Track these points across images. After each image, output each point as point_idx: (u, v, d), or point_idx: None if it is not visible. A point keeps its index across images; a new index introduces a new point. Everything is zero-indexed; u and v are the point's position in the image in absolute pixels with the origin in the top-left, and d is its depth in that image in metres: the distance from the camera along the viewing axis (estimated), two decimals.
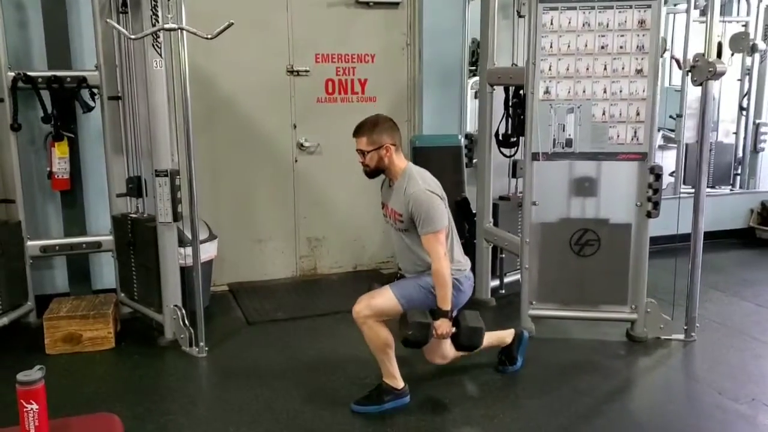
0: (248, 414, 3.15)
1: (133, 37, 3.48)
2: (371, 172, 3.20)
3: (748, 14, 6.60)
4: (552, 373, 3.58)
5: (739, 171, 6.83)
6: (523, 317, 4.02)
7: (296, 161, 5.08)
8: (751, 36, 6.17)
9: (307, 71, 4.97)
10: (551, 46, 3.76)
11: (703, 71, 3.73)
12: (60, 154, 4.14)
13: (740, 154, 6.76)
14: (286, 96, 4.98)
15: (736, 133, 6.82)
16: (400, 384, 3.21)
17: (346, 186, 5.20)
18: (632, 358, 3.78)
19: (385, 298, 3.10)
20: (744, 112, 6.78)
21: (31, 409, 2.00)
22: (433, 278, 3.04)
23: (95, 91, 4.06)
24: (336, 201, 5.22)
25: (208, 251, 4.38)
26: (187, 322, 3.84)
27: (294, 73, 4.95)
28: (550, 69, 3.78)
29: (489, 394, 3.38)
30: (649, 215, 3.85)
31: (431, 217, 3.01)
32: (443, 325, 3.02)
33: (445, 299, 3.02)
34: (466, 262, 3.26)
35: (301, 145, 5.05)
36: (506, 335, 3.58)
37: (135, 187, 4.01)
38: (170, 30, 3.43)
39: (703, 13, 6.08)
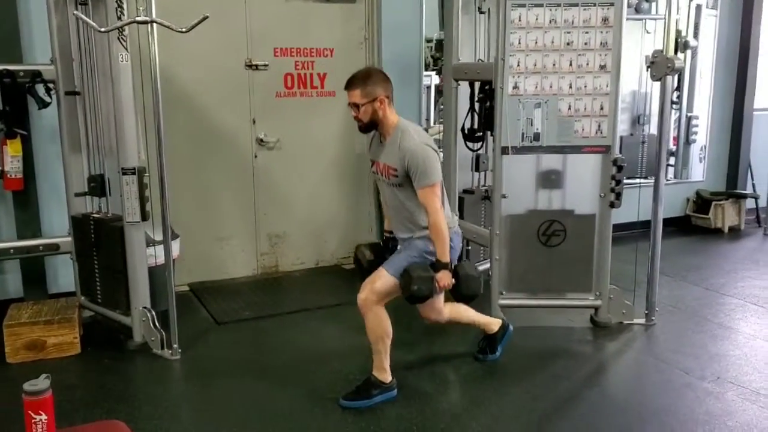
0: (237, 415, 3.10)
1: (103, 30, 3.35)
2: (365, 127, 3.14)
3: (678, 12, 6.90)
4: (528, 360, 3.68)
5: (673, 162, 7.15)
6: (494, 307, 4.10)
7: (256, 157, 5.01)
8: (683, 33, 6.48)
9: (265, 65, 4.91)
10: (519, 42, 3.85)
11: (661, 67, 3.90)
12: (12, 152, 3.94)
13: (672, 146, 7.05)
14: (245, 91, 4.90)
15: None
16: (388, 378, 3.24)
17: (307, 181, 5.18)
18: (600, 342, 3.93)
19: (383, 279, 3.10)
20: (675, 106, 7.09)
21: (40, 420, 1.94)
22: (430, 231, 3.05)
23: (51, 86, 3.88)
24: (296, 196, 5.18)
25: (171, 251, 4.27)
26: (157, 324, 3.74)
27: (253, 67, 4.88)
28: (518, 65, 3.87)
29: (472, 383, 3.44)
30: (612, 205, 4.00)
31: (427, 170, 3.00)
32: (445, 277, 3.05)
33: (444, 252, 3.04)
34: (454, 219, 3.28)
35: (261, 140, 4.99)
36: (493, 323, 3.64)
37: (98, 186, 3.86)
38: (142, 23, 3.32)
39: (637, 10, 6.39)
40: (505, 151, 3.93)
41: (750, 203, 6.64)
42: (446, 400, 3.25)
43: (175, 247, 4.38)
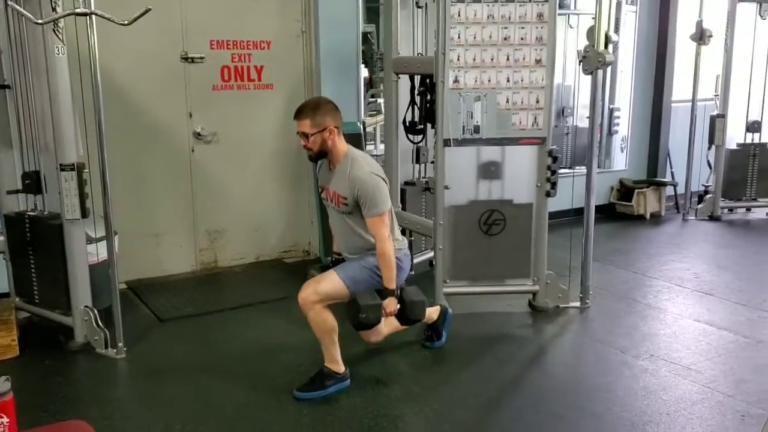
0: (190, 411, 3.08)
1: (40, 21, 3.24)
2: (315, 156, 3.20)
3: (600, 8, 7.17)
4: (473, 345, 3.79)
5: (596, 152, 7.43)
6: (438, 295, 4.19)
7: (193, 151, 4.94)
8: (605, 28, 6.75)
9: (201, 58, 4.84)
10: (459, 37, 3.94)
11: (593, 61, 4.08)
12: None
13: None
14: (181, 84, 4.82)
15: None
16: (341, 368, 3.28)
17: (245, 175, 5.15)
18: (539, 326, 4.09)
19: (331, 282, 3.14)
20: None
21: (1, 423, 1.90)
22: (378, 260, 3.13)
23: None
24: (235, 191, 5.13)
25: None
26: (100, 322, 3.66)
27: (188, 59, 4.80)
28: (458, 59, 3.96)
29: (423, 370, 3.53)
30: (548, 194, 4.16)
31: (376, 200, 3.08)
32: (391, 304, 3.14)
33: (391, 279, 3.13)
34: (403, 241, 3.38)
35: (198, 134, 4.92)
36: (433, 311, 3.74)
37: (33, 183, 3.73)
38: (81, 14, 3.23)
39: (560, 5, 6.61)
40: (447, 143, 4.02)
41: (669, 190, 6.98)
42: (398, 388, 3.31)
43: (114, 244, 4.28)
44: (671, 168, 7.10)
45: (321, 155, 3.21)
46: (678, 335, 3.91)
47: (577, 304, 4.36)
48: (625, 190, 6.93)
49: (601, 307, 4.36)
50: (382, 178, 3.18)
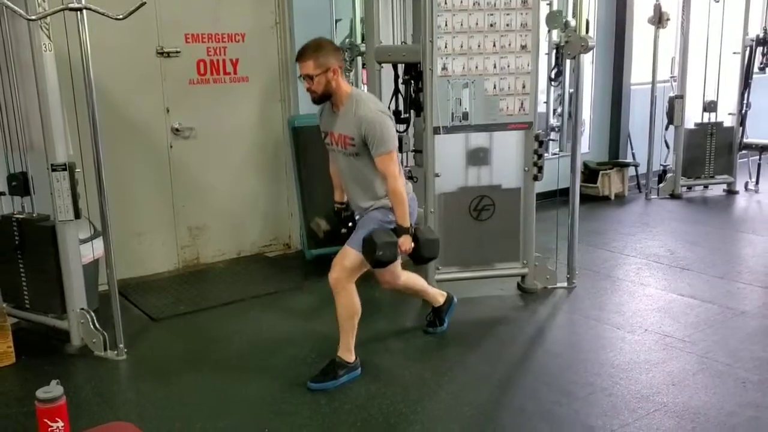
0: (207, 407, 3.06)
1: (33, 17, 3.13)
2: (319, 98, 3.13)
3: None
4: (473, 329, 3.86)
5: (556, 137, 7.60)
6: (431, 282, 4.22)
7: (171, 147, 4.86)
8: (564, 14, 6.90)
9: (177, 52, 4.75)
10: (446, 25, 3.98)
11: (575, 45, 4.18)
12: None
13: (552, 121, 7.47)
14: (157, 79, 4.72)
15: (547, 102, 7.53)
16: (352, 357, 3.30)
17: (225, 170, 5.09)
18: (533, 307, 4.18)
19: (351, 256, 3.14)
20: (553, 83, 7.49)
21: (57, 427, 1.87)
22: (390, 197, 3.12)
23: None
24: (215, 186, 5.07)
25: (96, 249, 4.08)
26: (98, 324, 3.59)
27: (164, 54, 4.71)
28: (446, 46, 4.00)
29: (430, 355, 3.58)
30: (535, 178, 4.25)
31: (385, 138, 3.05)
32: (406, 241, 3.13)
33: (405, 216, 3.12)
34: (409, 185, 3.35)
35: (176, 129, 4.83)
36: (439, 296, 3.78)
37: (20, 185, 3.62)
38: (74, 10, 3.14)
39: None
40: (436, 131, 4.06)
41: (631, 171, 7.21)
42: (409, 374, 3.35)
43: (99, 245, 4.18)
44: (632, 149, 7.32)
45: (325, 97, 3.13)
46: (666, 310, 4.06)
47: (564, 284, 4.47)
48: (589, 173, 7.11)
49: (587, 286, 4.49)
50: (389, 116, 3.15)
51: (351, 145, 3.13)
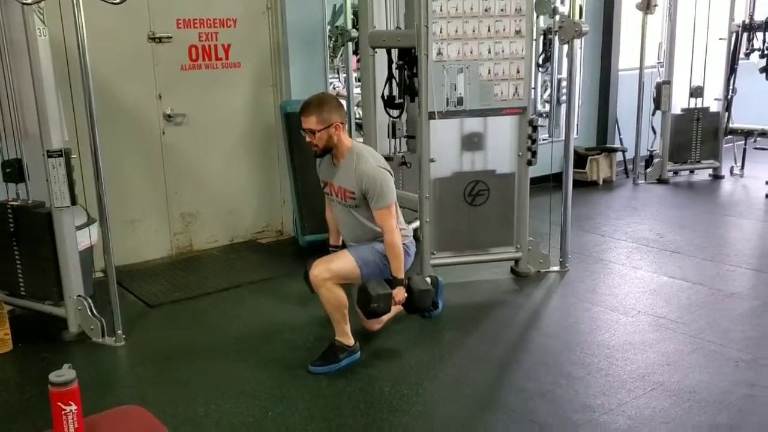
0: (209, 392, 3.07)
1: (29, 1, 3.09)
2: (321, 152, 3.24)
3: None
4: (469, 312, 3.90)
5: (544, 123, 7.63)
6: (426, 267, 4.27)
7: (164, 133, 4.83)
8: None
9: (169, 38, 4.72)
10: (441, 10, 3.99)
11: (569, 31, 4.20)
12: None
13: (539, 107, 7.50)
14: (149, 64, 4.69)
15: (535, 88, 7.56)
16: (351, 341, 3.33)
17: (217, 156, 5.07)
18: (527, 291, 4.23)
19: (344, 261, 3.18)
20: (540, 69, 7.53)
21: (70, 410, 1.87)
22: (387, 250, 3.21)
23: None
24: (207, 173, 5.06)
25: (89, 236, 4.06)
26: (95, 311, 3.58)
27: (156, 40, 4.67)
28: (441, 31, 4.01)
29: (428, 338, 3.61)
30: (529, 163, 4.29)
31: (384, 193, 3.16)
32: (400, 293, 3.23)
33: (400, 269, 3.22)
34: (409, 229, 3.46)
35: (168, 116, 4.81)
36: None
37: (14, 172, 3.59)
38: None
39: None
40: (432, 116, 4.08)
41: (619, 156, 7.27)
42: (409, 357, 3.39)
43: (93, 231, 4.17)
44: (619, 134, 7.38)
45: (326, 151, 3.25)
46: (658, 292, 4.13)
47: (557, 268, 4.52)
48: (577, 158, 7.13)
49: (580, 270, 4.54)
50: (388, 171, 3.26)
51: (351, 198, 3.23)
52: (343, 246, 3.52)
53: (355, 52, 5.46)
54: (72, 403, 1.86)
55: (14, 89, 3.51)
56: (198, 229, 5.11)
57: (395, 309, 3.42)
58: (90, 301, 3.59)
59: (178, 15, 4.74)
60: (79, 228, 3.86)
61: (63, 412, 1.85)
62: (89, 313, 3.57)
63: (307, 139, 3.17)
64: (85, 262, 3.99)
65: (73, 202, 3.49)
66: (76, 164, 3.54)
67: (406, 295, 3.26)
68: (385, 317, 3.53)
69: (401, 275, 3.23)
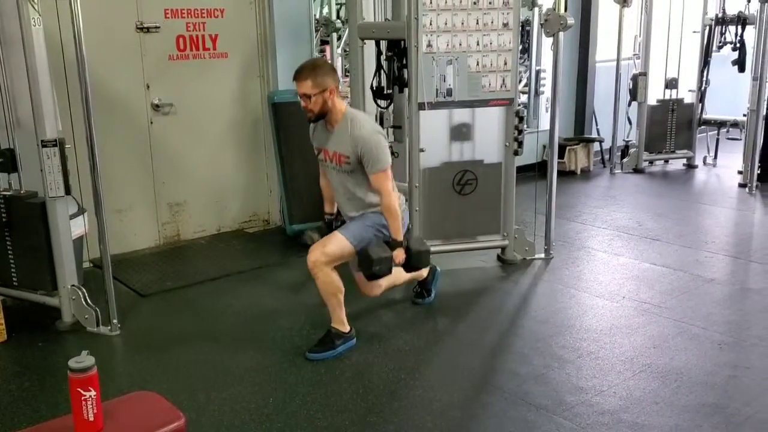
0: (209, 379, 3.12)
1: None
2: (315, 117, 3.23)
3: None
4: (459, 299, 3.99)
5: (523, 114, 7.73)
6: None
7: (151, 123, 4.83)
8: None
9: (157, 27, 4.70)
10: (431, 2, 4.05)
11: (554, 24, 4.29)
12: None
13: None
14: (137, 54, 4.68)
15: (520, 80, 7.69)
16: (347, 327, 3.39)
17: (205, 147, 5.08)
18: (515, 277, 4.33)
19: (337, 243, 3.22)
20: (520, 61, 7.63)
21: (90, 396, 1.90)
22: (384, 213, 3.25)
23: None
24: (195, 163, 5.06)
25: (80, 226, 4.06)
26: (89, 300, 3.59)
27: (144, 29, 4.66)
28: (430, 23, 4.07)
29: (421, 324, 3.69)
30: (515, 153, 4.38)
31: (380, 157, 3.19)
32: (400, 254, 3.27)
33: (398, 230, 3.27)
34: (401, 197, 3.47)
35: (156, 106, 4.80)
36: (423, 270, 3.88)
37: (7, 161, 3.57)
38: None
39: None
40: (421, 106, 4.14)
41: (596, 146, 7.42)
42: (403, 343, 3.46)
43: (84, 221, 4.16)
44: (596, 125, 7.52)
45: (321, 116, 3.24)
46: (641, 278, 4.25)
47: (542, 255, 4.63)
48: None
49: (564, 257, 4.65)
50: (382, 135, 3.29)
51: (346, 162, 3.25)
52: (338, 214, 3.55)
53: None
54: (91, 388, 1.89)
55: (6, 79, 3.49)
56: (186, 219, 5.12)
57: (389, 279, 3.49)
58: (84, 290, 3.60)
59: (166, 4, 4.73)
60: (71, 217, 3.85)
61: (83, 398, 1.88)
62: (83, 302, 3.58)
63: (302, 104, 3.17)
64: (77, 252, 3.99)
65: (68, 191, 3.50)
66: (72, 154, 3.54)
67: (405, 255, 3.31)
68: (384, 282, 3.56)
69: (400, 237, 3.27)
